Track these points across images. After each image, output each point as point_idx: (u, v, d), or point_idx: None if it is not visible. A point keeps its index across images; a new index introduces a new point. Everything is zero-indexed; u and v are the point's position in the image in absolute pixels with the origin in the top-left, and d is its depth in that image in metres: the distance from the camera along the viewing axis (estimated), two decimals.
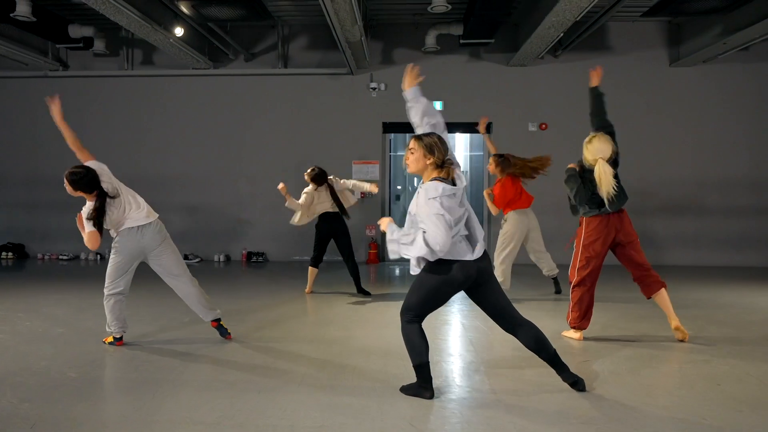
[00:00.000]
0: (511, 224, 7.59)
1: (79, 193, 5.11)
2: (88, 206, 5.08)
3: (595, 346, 5.37)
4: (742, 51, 10.93)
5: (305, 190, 7.92)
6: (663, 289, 5.44)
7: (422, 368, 3.91)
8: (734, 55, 10.91)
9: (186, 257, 11.63)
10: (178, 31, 9.78)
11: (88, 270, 10.63)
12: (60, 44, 11.32)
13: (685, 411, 3.78)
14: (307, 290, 8.21)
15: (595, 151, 5.24)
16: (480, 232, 3.89)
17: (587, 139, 5.34)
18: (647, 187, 11.27)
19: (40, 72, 12.01)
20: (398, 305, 7.13)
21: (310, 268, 8.17)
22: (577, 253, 5.47)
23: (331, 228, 7.96)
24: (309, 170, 7.95)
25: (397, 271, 10.67)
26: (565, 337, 5.59)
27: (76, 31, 10.92)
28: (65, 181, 5.09)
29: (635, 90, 11.47)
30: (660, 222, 11.49)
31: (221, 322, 5.59)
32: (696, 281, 9.31)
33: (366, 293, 7.99)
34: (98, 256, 11.96)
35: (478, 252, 3.82)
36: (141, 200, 5.32)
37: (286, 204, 7.92)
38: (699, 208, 11.53)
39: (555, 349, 4.03)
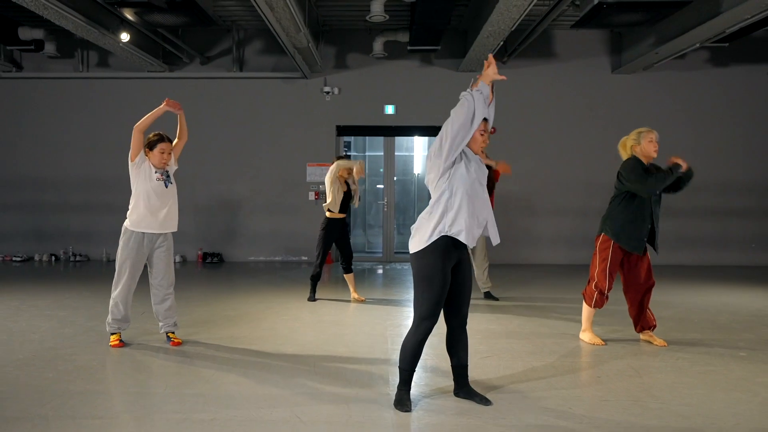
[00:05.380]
0: None
1: None
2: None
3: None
4: (678, 59, 11.52)
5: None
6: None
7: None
8: (671, 62, 11.46)
9: None
10: (125, 37, 9.85)
11: (41, 271, 10.64)
12: (11, 46, 11.28)
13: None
14: (361, 298, 7.93)
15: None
16: None
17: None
18: (591, 188, 11.76)
19: None
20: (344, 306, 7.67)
21: (346, 275, 7.93)
22: None
23: (340, 232, 7.84)
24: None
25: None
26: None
27: (26, 33, 10.91)
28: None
29: (579, 96, 11.99)
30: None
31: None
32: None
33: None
34: (53, 258, 11.97)
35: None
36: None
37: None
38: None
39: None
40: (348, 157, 7.81)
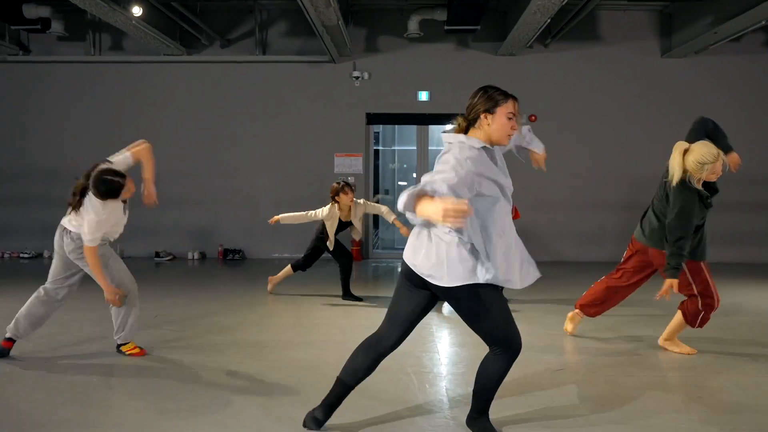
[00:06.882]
0: None
1: None
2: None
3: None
4: (733, 42, 10.71)
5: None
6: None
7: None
8: (726, 46, 10.69)
9: (158, 254, 11.07)
10: (137, 11, 9.10)
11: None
12: (15, 26, 10.52)
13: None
14: (269, 286, 7.59)
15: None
16: None
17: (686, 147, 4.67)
18: (638, 181, 11.00)
19: None
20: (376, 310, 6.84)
21: (289, 266, 7.49)
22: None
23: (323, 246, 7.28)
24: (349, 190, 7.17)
25: (380, 270, 10.25)
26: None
27: (31, 11, 10.12)
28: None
29: (627, 81, 11.22)
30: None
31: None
32: None
33: (356, 298, 7.36)
34: None
35: None
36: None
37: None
38: None
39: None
40: (350, 187, 7.22)
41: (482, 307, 3.07)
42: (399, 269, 3.31)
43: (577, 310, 5.40)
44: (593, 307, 5.26)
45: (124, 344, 4.86)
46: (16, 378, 4.30)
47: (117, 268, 4.75)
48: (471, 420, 3.37)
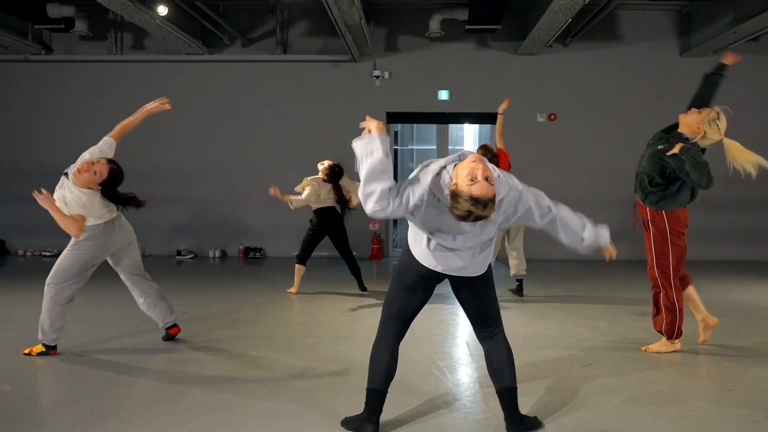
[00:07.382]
0: None
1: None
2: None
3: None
4: (751, 42, 10.67)
5: (309, 180, 7.43)
6: (690, 286, 5.00)
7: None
8: (744, 45, 10.61)
9: (179, 253, 11.14)
10: (162, 10, 9.16)
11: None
12: (39, 25, 10.60)
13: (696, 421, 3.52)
14: (293, 290, 7.56)
15: (724, 129, 4.63)
16: None
17: (713, 114, 4.68)
18: None
19: (20, 55, 11.32)
20: None
21: (297, 265, 7.57)
22: (665, 248, 4.84)
23: (326, 225, 7.46)
24: (326, 165, 7.42)
25: None
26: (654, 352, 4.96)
27: (55, 10, 10.19)
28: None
29: (645, 80, 11.22)
30: None
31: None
32: (704, 276, 8.92)
33: (364, 289, 7.65)
34: None
35: None
36: None
37: (292, 207, 7.47)
38: (708, 201, 11.24)
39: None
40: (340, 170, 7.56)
41: (491, 284, 3.38)
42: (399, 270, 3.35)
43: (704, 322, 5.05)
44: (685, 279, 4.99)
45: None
46: (55, 372, 4.36)
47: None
48: (517, 421, 3.29)
